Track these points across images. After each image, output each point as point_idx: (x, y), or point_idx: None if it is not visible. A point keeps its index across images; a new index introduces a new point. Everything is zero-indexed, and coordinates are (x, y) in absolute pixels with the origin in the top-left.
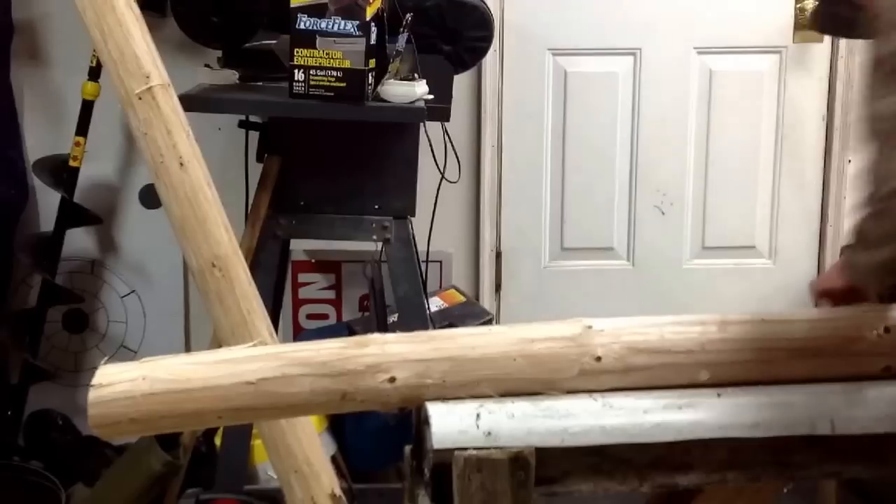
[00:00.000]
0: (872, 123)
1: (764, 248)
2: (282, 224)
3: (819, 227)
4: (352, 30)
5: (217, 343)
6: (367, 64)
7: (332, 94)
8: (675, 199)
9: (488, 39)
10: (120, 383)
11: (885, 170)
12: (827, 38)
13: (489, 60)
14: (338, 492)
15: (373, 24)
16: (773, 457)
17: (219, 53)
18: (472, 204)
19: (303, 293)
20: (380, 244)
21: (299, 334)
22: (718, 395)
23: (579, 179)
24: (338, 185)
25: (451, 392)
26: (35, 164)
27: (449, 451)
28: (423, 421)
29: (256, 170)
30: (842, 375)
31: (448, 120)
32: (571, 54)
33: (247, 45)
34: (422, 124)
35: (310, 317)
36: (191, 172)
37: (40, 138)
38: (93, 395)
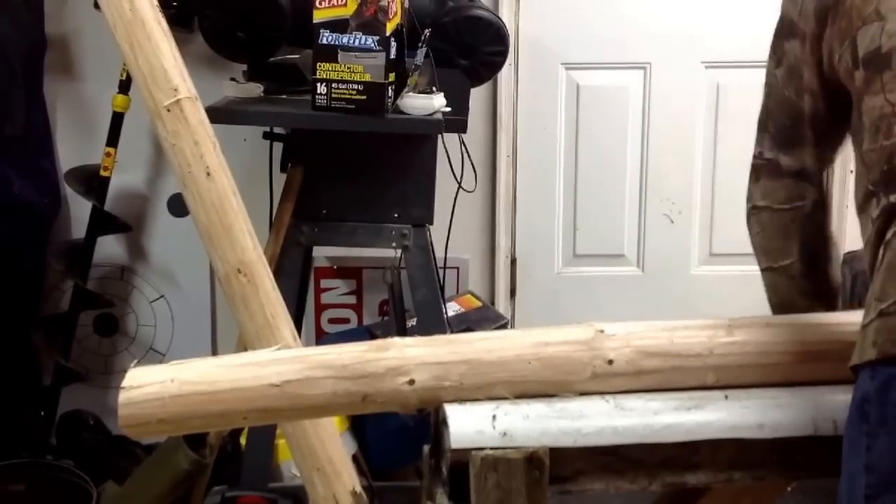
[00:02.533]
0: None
1: None
2: (304, 231)
3: None
4: (372, 45)
5: (242, 346)
6: (387, 77)
7: (354, 106)
8: (684, 208)
9: (504, 54)
10: (149, 385)
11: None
12: None
13: (504, 74)
14: (358, 489)
15: (392, 39)
16: (778, 456)
17: (244, 67)
18: (488, 212)
19: (325, 298)
20: (399, 251)
21: (321, 338)
22: (726, 396)
23: (591, 188)
24: (358, 194)
25: (468, 394)
26: (67, 174)
27: (466, 451)
28: (441, 422)
29: (280, 179)
30: (844, 378)
31: (465, 131)
32: (584, 68)
33: (271, 59)
34: (439, 136)
35: (331, 321)
36: (217, 182)
37: (72, 149)
38: (123, 396)
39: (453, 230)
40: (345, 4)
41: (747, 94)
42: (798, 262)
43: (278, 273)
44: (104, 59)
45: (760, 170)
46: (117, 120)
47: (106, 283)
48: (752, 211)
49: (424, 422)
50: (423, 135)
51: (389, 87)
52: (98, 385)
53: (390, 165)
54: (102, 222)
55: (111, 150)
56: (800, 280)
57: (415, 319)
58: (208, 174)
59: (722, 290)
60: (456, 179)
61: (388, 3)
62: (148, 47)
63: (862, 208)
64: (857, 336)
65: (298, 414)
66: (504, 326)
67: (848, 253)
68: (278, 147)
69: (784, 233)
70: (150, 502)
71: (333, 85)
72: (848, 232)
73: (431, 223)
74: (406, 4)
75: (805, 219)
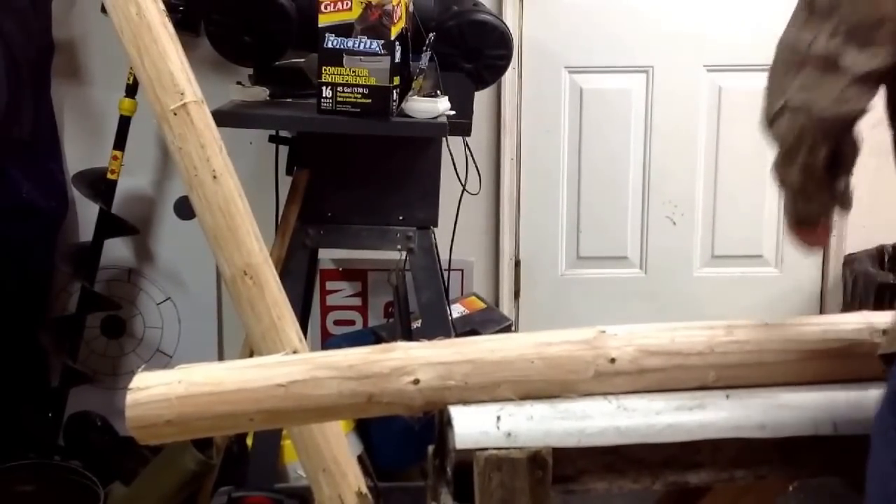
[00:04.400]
0: (778, 47)
1: (771, 256)
2: (310, 234)
3: None
4: (377, 49)
5: (249, 347)
6: (391, 81)
7: (359, 109)
8: (686, 210)
9: (507, 58)
10: (156, 386)
11: (775, 87)
12: None
13: (508, 78)
14: (364, 490)
15: (397, 43)
16: (779, 455)
17: (250, 71)
18: (492, 215)
19: (330, 300)
20: (404, 253)
21: (327, 340)
22: (727, 396)
23: (594, 191)
24: (364, 196)
25: (473, 394)
26: (75, 177)
27: (470, 451)
28: (446, 422)
29: (286, 182)
30: (844, 378)
31: (469, 134)
32: (587, 72)
33: (277, 63)
34: (444, 139)
35: (337, 323)
36: (223, 185)
37: (80, 152)
38: (130, 398)
39: (458, 232)
40: (350, 9)
41: (749, 96)
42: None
43: (284, 275)
44: (111, 63)
45: (807, 62)
46: (124, 123)
47: (113, 286)
48: (782, 113)
49: (429, 423)
50: (428, 138)
51: (394, 91)
52: (105, 386)
53: (395, 168)
54: (109, 225)
55: (118, 153)
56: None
57: (419, 321)
58: (214, 177)
59: (724, 292)
60: (460, 182)
61: (393, 7)
62: (154, 51)
63: None
64: (857, 335)
65: (304, 415)
66: (508, 328)
67: (848, 255)
68: (284, 150)
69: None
70: (157, 503)
71: (339, 88)
72: (849, 233)
73: (436, 225)
74: (410, 9)
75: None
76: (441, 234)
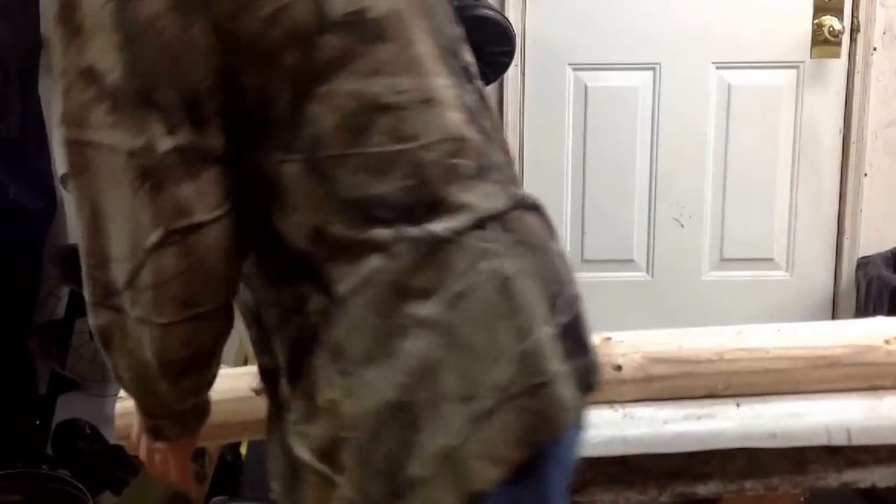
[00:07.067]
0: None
1: (781, 260)
2: None
3: (836, 239)
4: None
5: (243, 354)
6: None
7: None
8: (694, 212)
9: (510, 54)
10: None
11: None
12: (844, 54)
13: (511, 75)
14: None
15: None
16: (790, 466)
17: None
18: None
19: None
20: None
21: None
22: (737, 405)
23: (599, 192)
24: None
25: None
26: (63, 177)
27: None
28: None
29: None
30: (858, 385)
31: None
32: (592, 69)
33: None
34: None
35: None
36: None
37: None
38: (119, 406)
39: None
40: None
41: (758, 94)
42: None
43: None
44: None
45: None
46: None
47: None
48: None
49: None
50: None
51: None
52: (94, 394)
53: None
54: None
55: None
56: None
57: None
58: None
59: (733, 296)
60: None
61: None
62: None
63: None
64: (871, 341)
65: None
66: None
67: (862, 258)
68: None
69: None
70: None
71: None
72: (862, 235)
73: None
74: None
75: None
76: None
